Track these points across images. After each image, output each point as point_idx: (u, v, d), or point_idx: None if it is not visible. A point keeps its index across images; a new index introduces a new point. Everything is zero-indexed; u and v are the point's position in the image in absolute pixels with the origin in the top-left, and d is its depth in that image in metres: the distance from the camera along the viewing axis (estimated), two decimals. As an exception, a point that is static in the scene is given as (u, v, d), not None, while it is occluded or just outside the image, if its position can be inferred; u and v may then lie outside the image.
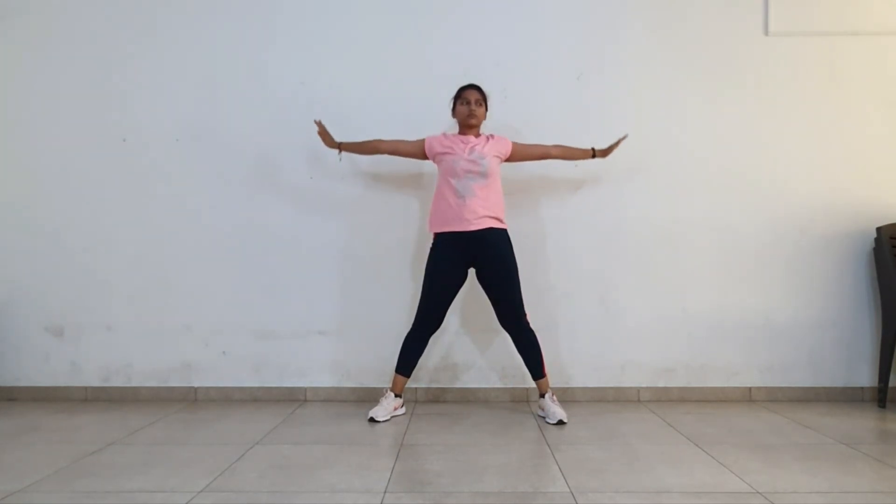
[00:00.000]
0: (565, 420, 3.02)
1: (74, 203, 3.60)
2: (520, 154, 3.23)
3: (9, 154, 3.63)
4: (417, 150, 3.21)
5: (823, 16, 3.54)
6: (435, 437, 2.81)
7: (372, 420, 3.06)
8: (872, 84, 3.55)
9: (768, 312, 3.54)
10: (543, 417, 3.12)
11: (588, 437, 2.81)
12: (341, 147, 3.24)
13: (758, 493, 2.13)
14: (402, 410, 3.23)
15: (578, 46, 3.57)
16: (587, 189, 3.55)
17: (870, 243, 3.52)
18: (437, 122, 3.43)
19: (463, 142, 3.15)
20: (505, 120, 3.48)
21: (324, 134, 3.23)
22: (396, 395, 3.18)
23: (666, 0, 3.57)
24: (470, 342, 3.55)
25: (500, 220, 3.14)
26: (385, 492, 2.14)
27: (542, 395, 3.16)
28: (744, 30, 3.55)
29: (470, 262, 3.13)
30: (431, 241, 3.21)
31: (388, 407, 3.12)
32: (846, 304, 3.54)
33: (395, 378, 3.19)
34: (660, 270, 3.55)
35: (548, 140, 3.53)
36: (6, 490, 2.17)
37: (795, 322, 3.54)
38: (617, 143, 3.27)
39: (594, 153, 3.27)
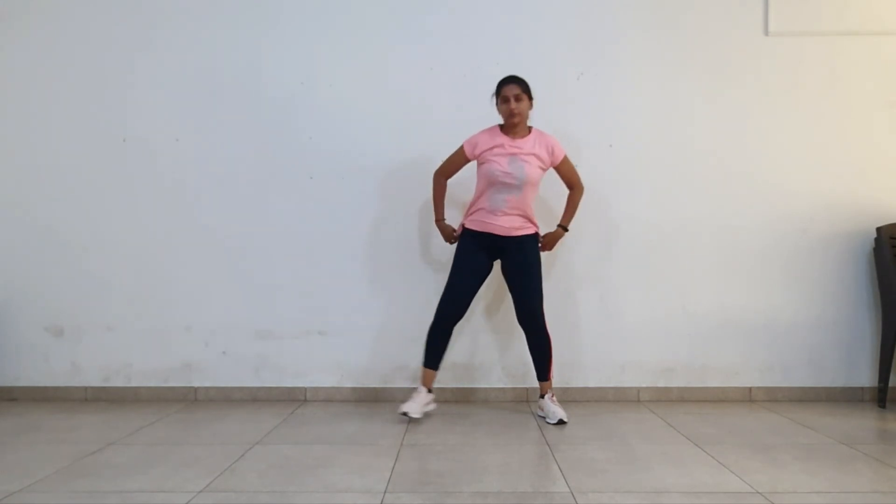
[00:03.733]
0: (566, 419, 3.02)
1: (74, 203, 3.60)
2: (562, 171, 3.16)
3: (8, 154, 3.62)
4: (462, 161, 3.15)
5: (823, 16, 3.54)
6: (435, 437, 2.81)
7: (405, 415, 3.00)
8: (872, 84, 3.55)
9: (768, 312, 3.54)
10: (543, 417, 3.12)
11: (588, 437, 2.81)
12: (441, 220, 3.21)
13: (758, 493, 2.13)
14: (434, 406, 3.17)
15: (579, 46, 3.57)
16: (587, 189, 3.54)
17: (870, 243, 3.52)
18: (438, 122, 3.44)
19: (507, 146, 3.04)
20: (505, 120, 3.48)
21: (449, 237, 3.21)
22: (428, 391, 3.12)
23: (666, 0, 3.57)
24: (470, 342, 3.55)
25: (529, 226, 3.11)
26: (385, 492, 2.14)
27: (542, 396, 3.16)
28: (744, 30, 3.55)
29: (496, 255, 3.13)
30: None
31: (420, 402, 3.06)
32: (846, 304, 3.54)
33: (423, 372, 3.13)
34: (660, 270, 3.55)
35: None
36: (6, 490, 2.17)
37: (795, 322, 3.54)
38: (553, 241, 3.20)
39: (560, 229, 3.21)
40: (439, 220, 3.21)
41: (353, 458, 2.52)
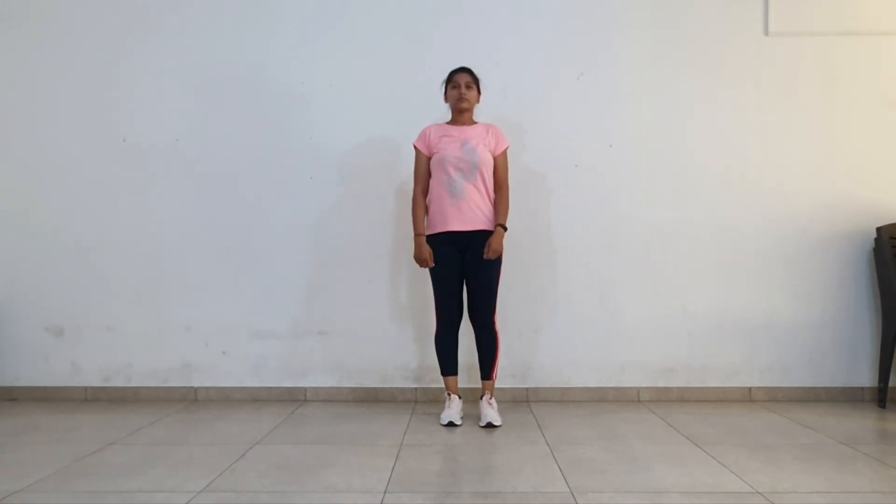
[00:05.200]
0: (496, 424, 2.96)
1: (74, 203, 3.60)
2: (496, 164, 3.09)
3: (9, 154, 3.63)
4: (425, 161, 3.13)
5: (823, 16, 3.54)
6: (435, 437, 2.81)
7: (451, 424, 2.97)
8: (872, 84, 3.54)
9: (768, 312, 3.54)
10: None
11: (588, 437, 2.81)
12: (422, 235, 3.11)
13: (758, 493, 2.13)
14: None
15: (579, 46, 3.57)
16: (587, 189, 3.55)
17: (870, 243, 3.52)
18: (437, 121, 3.43)
19: (455, 133, 3.09)
20: (505, 119, 3.48)
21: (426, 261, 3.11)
22: (458, 397, 3.11)
23: (666, 0, 3.57)
24: (470, 342, 3.54)
25: (490, 222, 3.07)
26: (385, 492, 2.14)
27: (481, 396, 3.11)
28: (744, 30, 3.55)
29: (462, 249, 3.08)
30: None
31: (456, 408, 3.05)
32: (846, 304, 3.54)
33: (445, 381, 3.13)
34: (660, 270, 3.55)
35: (548, 139, 3.55)
36: (6, 490, 2.17)
37: (795, 322, 3.54)
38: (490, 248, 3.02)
39: (500, 228, 3.05)
40: (419, 234, 3.10)
41: (353, 458, 2.52)
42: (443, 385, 3.55)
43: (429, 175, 3.15)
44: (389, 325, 3.54)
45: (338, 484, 2.22)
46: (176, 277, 3.58)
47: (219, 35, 3.59)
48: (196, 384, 3.59)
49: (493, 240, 3.03)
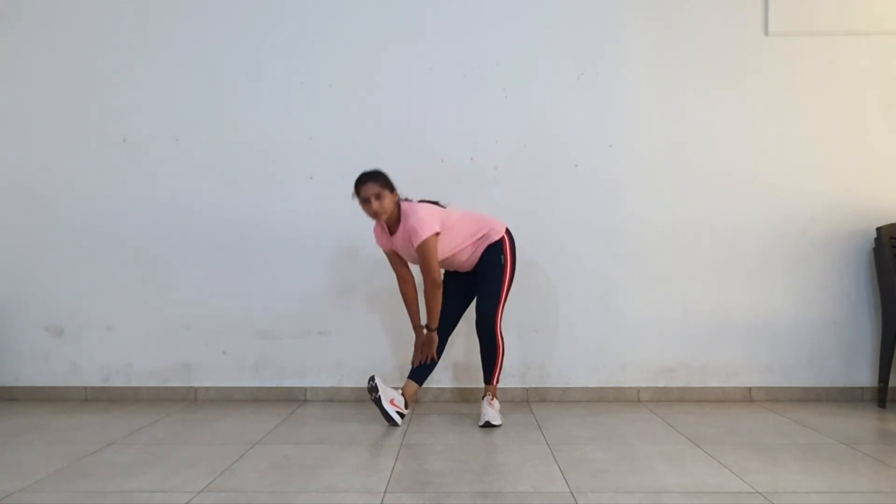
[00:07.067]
0: (494, 423, 2.94)
1: (74, 203, 3.60)
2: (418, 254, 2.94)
3: (8, 154, 3.62)
4: (391, 257, 3.13)
5: (823, 16, 3.54)
6: (435, 437, 2.82)
7: (373, 388, 2.88)
8: (872, 84, 3.54)
9: (768, 312, 3.54)
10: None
11: (588, 437, 2.81)
12: (417, 327, 3.16)
13: (758, 493, 2.13)
14: (398, 420, 2.96)
15: (579, 46, 3.57)
16: (587, 189, 3.55)
17: (870, 243, 3.52)
18: (437, 122, 3.44)
19: (394, 240, 3.02)
20: (505, 119, 3.49)
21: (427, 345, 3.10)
22: (402, 394, 3.03)
23: (666, 0, 3.57)
24: (470, 342, 3.55)
25: (481, 245, 3.04)
26: (385, 492, 2.14)
27: (483, 396, 3.10)
28: (744, 30, 3.55)
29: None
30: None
31: (389, 392, 2.97)
32: (846, 304, 3.54)
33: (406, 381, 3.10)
34: (660, 270, 3.55)
35: (548, 139, 3.55)
36: (6, 490, 2.17)
37: (795, 322, 3.54)
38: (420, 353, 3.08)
39: (424, 329, 3.06)
40: (413, 326, 3.16)
41: (353, 458, 2.52)
42: (443, 385, 3.57)
43: (400, 264, 3.12)
44: (389, 325, 3.54)
45: (338, 484, 2.22)
46: (176, 277, 3.58)
47: (219, 34, 3.59)
48: (196, 384, 3.58)
49: (423, 340, 3.05)
